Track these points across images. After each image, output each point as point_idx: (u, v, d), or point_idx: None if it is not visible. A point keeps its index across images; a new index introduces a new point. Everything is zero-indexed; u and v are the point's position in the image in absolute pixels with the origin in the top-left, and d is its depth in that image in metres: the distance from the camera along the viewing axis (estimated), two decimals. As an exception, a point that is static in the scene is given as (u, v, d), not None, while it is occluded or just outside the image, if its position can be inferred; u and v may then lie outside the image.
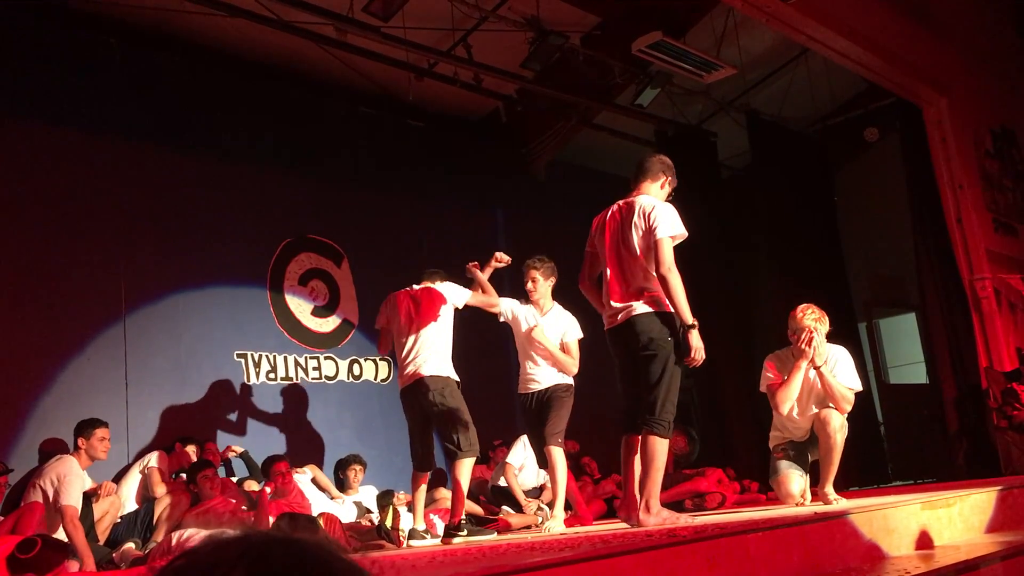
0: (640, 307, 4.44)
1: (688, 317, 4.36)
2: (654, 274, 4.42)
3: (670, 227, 4.40)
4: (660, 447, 4.39)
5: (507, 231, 9.56)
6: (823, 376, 5.13)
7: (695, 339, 4.36)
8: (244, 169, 7.57)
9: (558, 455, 5.78)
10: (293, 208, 7.85)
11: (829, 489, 5.19)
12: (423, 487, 5.75)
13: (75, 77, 6.64)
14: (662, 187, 4.70)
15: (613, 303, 4.55)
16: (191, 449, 6.40)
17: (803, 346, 5.12)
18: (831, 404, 5.16)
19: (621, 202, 4.67)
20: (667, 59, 7.96)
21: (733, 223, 10.22)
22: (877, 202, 10.76)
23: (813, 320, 5.22)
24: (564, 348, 5.91)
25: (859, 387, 5.32)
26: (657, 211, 4.45)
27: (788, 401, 5.17)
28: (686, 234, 4.47)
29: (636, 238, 4.47)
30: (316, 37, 7.30)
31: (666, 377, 4.38)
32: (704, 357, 4.41)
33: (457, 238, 8.89)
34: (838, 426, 5.11)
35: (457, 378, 5.60)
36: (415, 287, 5.83)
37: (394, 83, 8.36)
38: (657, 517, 4.37)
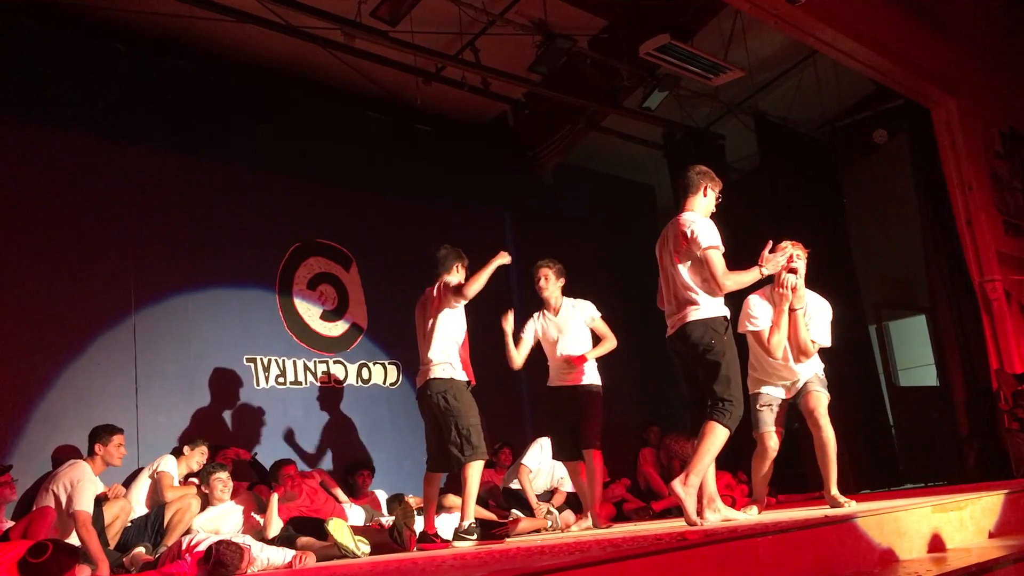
0: (687, 316, 4.69)
1: (756, 273, 4.75)
2: (697, 285, 4.68)
3: (709, 239, 4.64)
4: (718, 431, 4.58)
5: (515, 234, 9.55)
6: (794, 320, 5.28)
7: (770, 266, 4.82)
8: (252, 173, 7.59)
9: (595, 459, 6.05)
10: (302, 212, 7.86)
11: (835, 492, 5.25)
12: (435, 489, 5.77)
13: (85, 83, 6.67)
14: (705, 195, 4.91)
15: (667, 315, 4.87)
16: (200, 452, 6.40)
17: (782, 289, 5.29)
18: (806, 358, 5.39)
19: (669, 223, 4.91)
20: (675, 62, 7.95)
21: (741, 225, 10.18)
22: (886, 204, 10.73)
23: (790, 244, 5.36)
24: (596, 332, 6.26)
25: (827, 343, 5.43)
26: (696, 227, 4.69)
27: (781, 346, 5.33)
28: (721, 244, 4.70)
29: (678, 253, 4.73)
30: (324, 42, 7.32)
31: (722, 372, 4.62)
32: (785, 266, 5.08)
33: (465, 242, 8.85)
34: (826, 415, 5.35)
35: (466, 378, 5.61)
36: (429, 287, 5.88)
37: (402, 87, 8.37)
38: (686, 492, 4.47)
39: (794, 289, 5.29)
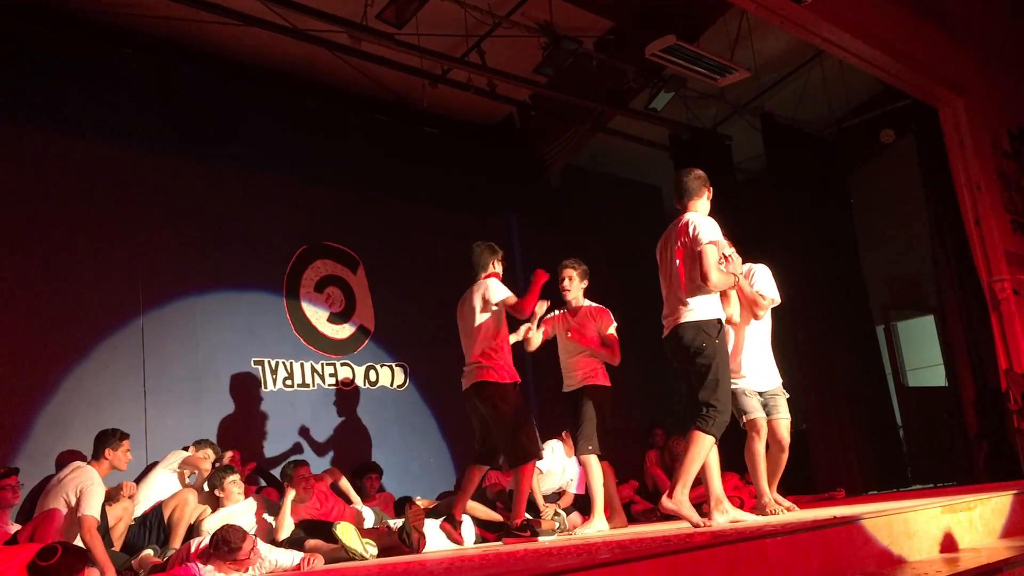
0: (681, 318, 4.72)
1: (738, 278, 4.99)
2: (692, 286, 4.70)
3: (709, 235, 4.68)
4: (702, 440, 4.60)
5: (522, 236, 9.55)
6: (737, 284, 5.35)
7: (745, 286, 5.22)
8: (259, 176, 7.60)
9: (589, 462, 6.11)
10: (309, 215, 7.87)
11: (776, 495, 5.46)
12: (475, 480, 5.82)
13: (94, 87, 6.68)
14: (708, 199, 4.98)
15: (662, 316, 4.88)
16: (204, 455, 6.34)
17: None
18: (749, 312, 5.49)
19: (672, 224, 4.95)
20: (681, 63, 7.94)
21: (748, 226, 10.18)
22: (894, 204, 10.70)
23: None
24: (606, 341, 6.22)
25: (776, 296, 5.51)
26: (697, 224, 4.73)
27: (737, 310, 5.38)
28: (720, 240, 4.76)
29: (679, 252, 4.77)
30: (330, 45, 7.33)
31: (710, 377, 4.63)
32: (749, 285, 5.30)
33: (472, 244, 8.87)
34: (788, 435, 5.47)
35: (515, 378, 5.64)
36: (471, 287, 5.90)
37: (408, 90, 8.38)
38: (677, 505, 4.53)
39: (728, 259, 5.34)
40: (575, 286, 6.28)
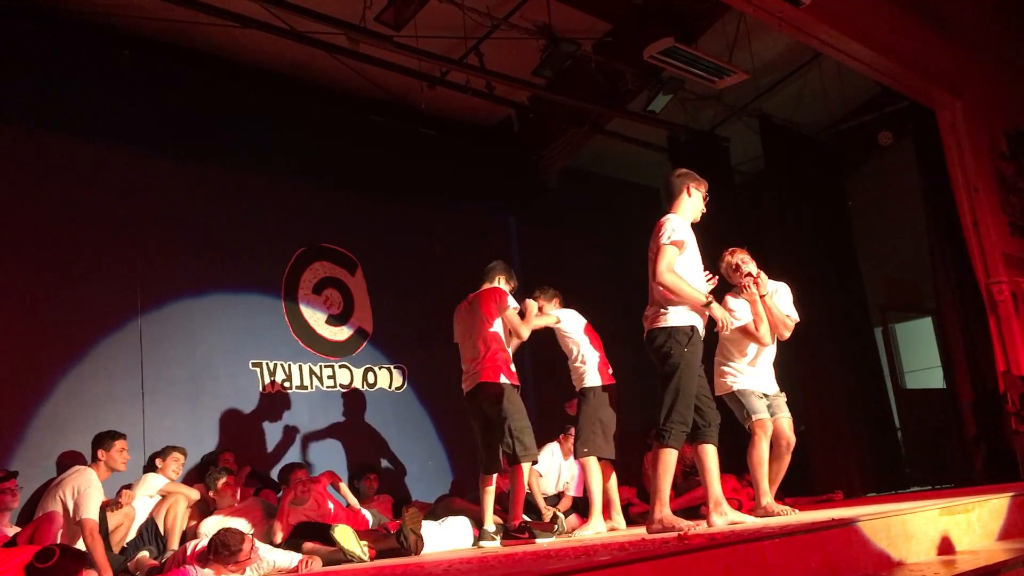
0: (654, 323, 4.73)
1: (701, 299, 4.67)
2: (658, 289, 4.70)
3: (668, 235, 4.65)
4: (666, 457, 4.60)
5: (520, 238, 9.56)
6: (766, 304, 5.42)
7: (716, 311, 4.73)
8: (257, 178, 7.60)
9: (587, 464, 6.18)
10: (307, 217, 7.87)
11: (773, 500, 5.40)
12: (490, 488, 5.84)
13: (90, 88, 6.68)
14: (689, 194, 4.91)
15: (643, 316, 4.87)
16: (174, 459, 6.23)
17: (750, 287, 5.41)
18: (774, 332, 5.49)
19: None
20: (679, 65, 7.94)
21: (746, 228, 10.19)
22: (891, 206, 10.71)
23: (749, 260, 5.55)
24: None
25: (796, 318, 5.57)
26: (664, 224, 4.73)
27: (768, 330, 5.43)
28: (683, 240, 4.69)
29: (651, 254, 4.75)
30: (328, 47, 7.33)
31: (672, 384, 4.63)
32: (732, 320, 4.93)
33: (470, 246, 8.89)
34: (793, 434, 5.48)
35: (516, 383, 5.73)
36: (472, 293, 5.96)
37: (406, 92, 8.38)
38: (659, 525, 4.53)
39: (756, 280, 5.39)
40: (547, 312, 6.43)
